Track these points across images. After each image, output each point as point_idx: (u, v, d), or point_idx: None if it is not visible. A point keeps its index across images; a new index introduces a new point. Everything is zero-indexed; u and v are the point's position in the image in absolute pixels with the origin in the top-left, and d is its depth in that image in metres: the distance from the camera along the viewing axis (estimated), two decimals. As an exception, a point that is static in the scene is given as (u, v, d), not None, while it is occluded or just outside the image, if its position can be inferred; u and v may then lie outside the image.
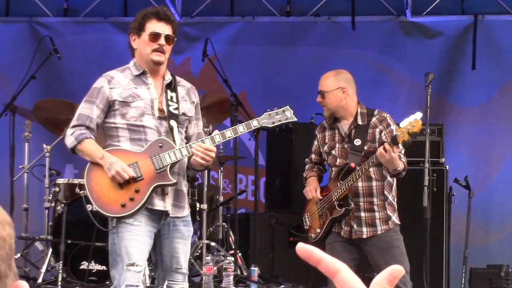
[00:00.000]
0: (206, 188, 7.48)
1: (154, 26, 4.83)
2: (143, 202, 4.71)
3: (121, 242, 4.67)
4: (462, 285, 7.50)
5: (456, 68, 9.20)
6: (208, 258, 6.80)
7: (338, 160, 5.74)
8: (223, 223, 7.86)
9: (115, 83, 4.85)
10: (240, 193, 8.37)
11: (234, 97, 7.42)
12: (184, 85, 5.02)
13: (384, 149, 5.32)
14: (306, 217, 5.94)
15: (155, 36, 4.81)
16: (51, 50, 7.73)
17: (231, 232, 7.86)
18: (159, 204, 4.78)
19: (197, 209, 7.36)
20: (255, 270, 6.99)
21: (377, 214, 5.69)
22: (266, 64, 9.49)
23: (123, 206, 4.71)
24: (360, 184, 5.65)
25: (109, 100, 4.81)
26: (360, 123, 5.73)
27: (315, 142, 5.95)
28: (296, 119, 5.09)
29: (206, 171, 7.44)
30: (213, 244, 7.53)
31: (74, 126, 4.85)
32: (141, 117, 4.81)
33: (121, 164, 4.71)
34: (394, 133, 5.46)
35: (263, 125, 4.98)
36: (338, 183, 5.68)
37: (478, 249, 8.39)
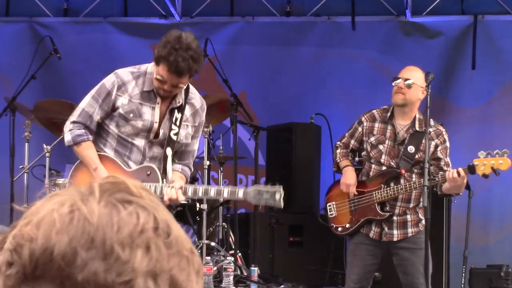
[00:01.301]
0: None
1: (163, 72, 4.60)
2: None
3: None
4: (462, 285, 7.49)
5: (456, 68, 9.19)
6: (208, 258, 6.80)
7: (383, 157, 5.75)
8: (223, 223, 7.86)
9: (124, 90, 4.75)
10: (240, 193, 8.35)
11: (234, 97, 7.42)
12: (193, 104, 4.89)
13: (458, 174, 5.38)
14: (332, 206, 5.91)
15: (161, 82, 4.66)
16: (51, 50, 7.73)
17: (231, 232, 7.85)
18: None
19: (197, 209, 7.36)
20: (255, 270, 6.99)
21: (409, 217, 5.77)
22: (266, 64, 9.49)
23: None
24: None
25: (114, 104, 4.75)
26: (417, 129, 5.74)
27: (359, 129, 5.86)
28: (282, 206, 4.68)
29: (206, 171, 7.44)
30: (213, 244, 7.52)
31: (73, 122, 4.79)
32: (134, 136, 4.74)
33: None
34: (472, 162, 5.52)
35: (247, 199, 4.67)
36: (382, 186, 5.69)
37: (478, 249, 8.39)
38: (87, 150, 4.75)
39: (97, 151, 4.81)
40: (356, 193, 5.82)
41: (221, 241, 7.76)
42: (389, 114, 5.80)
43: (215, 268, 6.82)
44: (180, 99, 4.78)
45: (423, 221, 5.69)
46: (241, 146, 8.55)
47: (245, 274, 7.25)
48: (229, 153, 8.04)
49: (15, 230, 1.04)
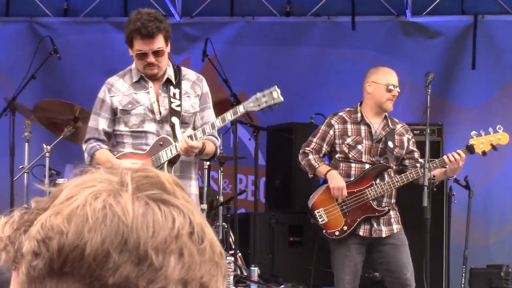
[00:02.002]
0: (206, 188, 7.47)
1: (139, 44, 4.78)
2: None
3: None
4: (462, 285, 7.49)
5: (456, 68, 9.19)
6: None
7: (364, 157, 5.78)
8: (223, 223, 7.86)
9: (115, 90, 4.92)
10: (240, 193, 8.36)
11: (234, 97, 7.42)
12: (189, 78, 5.04)
13: (459, 155, 5.48)
14: (321, 212, 5.91)
15: (142, 55, 4.82)
16: (51, 50, 7.72)
17: (231, 232, 7.85)
18: None
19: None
20: (255, 270, 6.99)
21: (392, 213, 5.82)
22: (266, 64, 9.49)
23: None
24: None
25: (113, 108, 4.89)
26: (391, 126, 5.82)
27: (330, 132, 5.89)
28: (282, 99, 4.98)
29: (206, 171, 7.45)
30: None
31: (86, 141, 5.01)
32: (142, 123, 4.88)
33: (127, 161, 4.78)
34: (469, 143, 5.63)
35: (249, 109, 4.95)
36: (373, 182, 5.72)
37: (478, 249, 8.39)
38: (102, 156, 4.91)
39: (118, 154, 4.95)
40: (346, 195, 5.83)
41: (221, 241, 7.76)
42: (359, 115, 5.84)
43: (215, 268, 6.82)
44: (168, 73, 4.93)
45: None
46: (241, 146, 8.54)
47: (245, 274, 7.25)
48: (229, 153, 8.04)
49: (43, 217, 0.99)
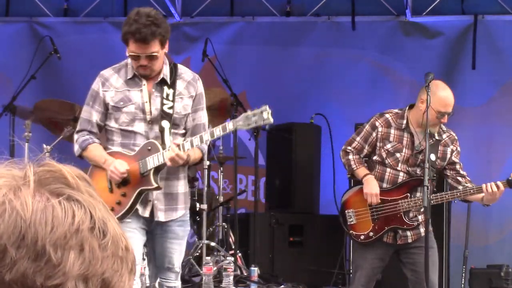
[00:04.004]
0: (206, 188, 7.47)
1: (133, 47, 4.75)
2: (128, 205, 4.75)
3: None
4: (462, 285, 7.49)
5: (456, 68, 9.19)
6: (208, 258, 6.81)
7: (400, 166, 5.71)
8: (223, 223, 7.86)
9: (109, 85, 4.89)
10: (240, 193, 8.36)
11: (234, 97, 7.42)
12: (184, 78, 4.99)
13: (498, 187, 5.39)
14: (351, 213, 5.86)
15: (135, 57, 4.80)
16: (51, 50, 7.73)
17: (231, 232, 7.85)
18: (142, 212, 4.80)
19: (197, 209, 7.36)
20: (255, 270, 6.99)
21: (419, 218, 5.77)
22: (266, 64, 9.49)
23: (111, 209, 4.73)
24: None
25: (105, 103, 4.86)
26: (437, 138, 5.72)
27: (373, 134, 5.78)
28: (272, 121, 4.87)
29: (206, 171, 7.44)
30: (213, 244, 7.52)
31: (77, 132, 4.94)
32: (132, 122, 4.84)
33: (114, 163, 4.75)
34: (511, 176, 5.55)
35: (238, 127, 4.88)
36: (408, 195, 5.68)
37: (478, 249, 8.39)
38: (95, 151, 4.85)
39: (106, 151, 4.92)
40: (379, 201, 5.78)
41: (221, 241, 7.76)
42: (405, 121, 5.74)
43: (215, 268, 6.82)
44: (163, 72, 4.88)
45: (430, 220, 5.74)
46: (241, 146, 8.54)
47: (245, 274, 7.24)
48: (229, 153, 8.04)
49: None
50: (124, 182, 4.77)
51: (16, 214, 0.94)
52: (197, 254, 7.38)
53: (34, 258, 0.94)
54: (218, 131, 4.81)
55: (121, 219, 4.71)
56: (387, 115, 5.82)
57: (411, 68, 9.16)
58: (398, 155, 5.70)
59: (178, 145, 4.72)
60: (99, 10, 9.63)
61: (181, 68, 5.02)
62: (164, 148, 4.80)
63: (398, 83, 9.28)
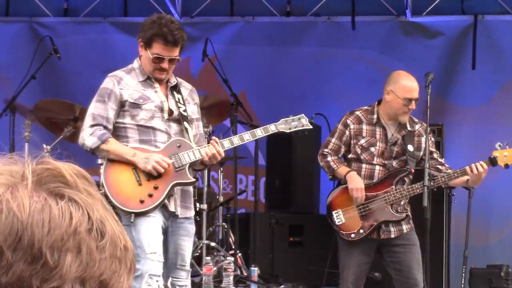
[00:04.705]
0: (206, 188, 7.47)
1: (160, 49, 4.82)
2: (161, 199, 4.79)
3: (140, 234, 4.74)
4: (462, 285, 7.49)
5: (456, 68, 9.19)
6: (208, 258, 6.81)
7: (375, 160, 5.75)
8: (223, 223, 7.86)
9: (124, 84, 4.92)
10: (240, 193, 8.36)
11: (234, 97, 7.42)
12: (185, 87, 5.11)
13: (483, 167, 5.48)
14: (339, 213, 5.88)
15: (159, 59, 4.84)
16: (51, 50, 7.73)
17: (231, 232, 7.85)
18: (168, 205, 4.87)
19: (197, 209, 7.36)
20: (255, 270, 6.99)
21: (408, 209, 5.81)
22: (266, 64, 9.49)
23: (142, 202, 4.78)
24: None
25: (121, 100, 4.87)
26: (409, 129, 5.77)
27: (346, 132, 5.84)
28: (311, 127, 5.27)
29: (206, 171, 7.45)
30: (213, 244, 7.52)
31: (92, 126, 4.86)
32: (151, 119, 4.88)
33: (158, 155, 4.79)
34: (492, 155, 5.59)
35: (280, 130, 5.12)
36: (392, 187, 5.70)
37: (478, 249, 8.39)
38: (117, 144, 4.87)
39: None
40: (364, 195, 5.80)
41: (221, 241, 7.76)
42: (375, 116, 5.80)
43: (215, 268, 6.82)
44: (173, 79, 5.00)
45: (411, 219, 5.79)
46: (241, 146, 8.49)
47: (245, 274, 7.25)
48: (229, 153, 8.03)
49: None
50: (155, 176, 4.80)
51: (13, 216, 0.93)
52: (197, 254, 7.38)
53: (30, 261, 0.92)
54: (259, 132, 5.04)
55: (152, 211, 4.76)
56: (357, 112, 5.91)
57: (411, 68, 9.10)
58: (372, 149, 5.75)
59: (217, 142, 4.83)
60: (99, 10, 9.63)
61: (179, 79, 5.14)
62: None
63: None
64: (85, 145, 4.88)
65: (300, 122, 5.18)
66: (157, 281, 4.69)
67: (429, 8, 9.32)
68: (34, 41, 8.94)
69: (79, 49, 9.43)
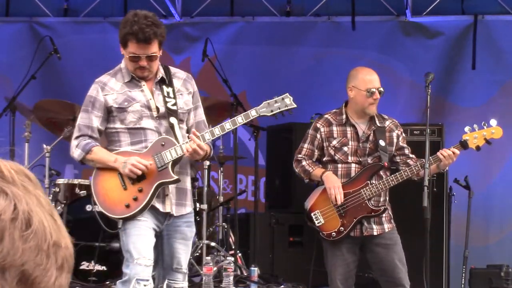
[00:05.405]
0: (206, 188, 7.47)
1: (134, 48, 4.78)
2: (146, 201, 4.75)
3: (129, 238, 4.72)
4: (462, 285, 7.49)
5: (456, 68, 9.19)
6: (208, 258, 6.81)
7: (350, 158, 5.78)
8: (223, 223, 7.86)
9: (108, 89, 4.90)
10: (240, 193, 8.36)
11: (234, 97, 7.43)
12: (179, 77, 5.03)
13: (453, 152, 5.52)
14: (318, 214, 5.89)
15: (135, 58, 4.82)
16: (51, 50, 7.73)
17: (231, 232, 7.85)
18: (159, 206, 4.81)
19: (197, 209, 7.36)
20: (255, 270, 6.99)
21: (386, 203, 5.84)
22: (266, 64, 9.49)
23: (127, 206, 4.76)
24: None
25: (107, 106, 4.85)
26: (379, 125, 5.81)
27: (317, 136, 5.89)
28: (295, 106, 5.05)
29: (206, 171, 7.45)
30: (213, 244, 7.52)
31: (77, 138, 4.89)
32: (140, 120, 4.85)
33: (135, 157, 4.76)
34: (463, 138, 5.62)
35: (261, 114, 5.01)
36: (368, 182, 5.72)
37: (478, 249, 8.39)
38: (100, 153, 4.85)
39: (113, 152, 4.92)
40: (342, 193, 5.82)
41: (221, 241, 7.76)
42: (344, 116, 5.84)
43: (215, 268, 6.82)
44: (160, 74, 4.92)
45: (392, 218, 5.84)
46: (241, 146, 8.55)
47: (245, 274, 7.25)
48: (229, 153, 8.04)
49: None
50: (139, 178, 4.78)
51: None
52: (197, 254, 7.38)
53: None
54: (240, 119, 4.90)
55: (138, 214, 4.73)
56: (326, 116, 5.98)
57: (411, 68, 9.17)
58: (345, 148, 5.78)
59: (197, 136, 4.75)
60: (99, 10, 9.64)
61: (173, 69, 5.08)
62: (178, 141, 4.84)
63: (398, 83, 9.29)
64: (74, 158, 4.92)
65: (284, 103, 5.03)
66: (144, 285, 4.67)
67: (429, 8, 9.33)
68: (34, 41, 8.94)
69: (79, 49, 9.43)
